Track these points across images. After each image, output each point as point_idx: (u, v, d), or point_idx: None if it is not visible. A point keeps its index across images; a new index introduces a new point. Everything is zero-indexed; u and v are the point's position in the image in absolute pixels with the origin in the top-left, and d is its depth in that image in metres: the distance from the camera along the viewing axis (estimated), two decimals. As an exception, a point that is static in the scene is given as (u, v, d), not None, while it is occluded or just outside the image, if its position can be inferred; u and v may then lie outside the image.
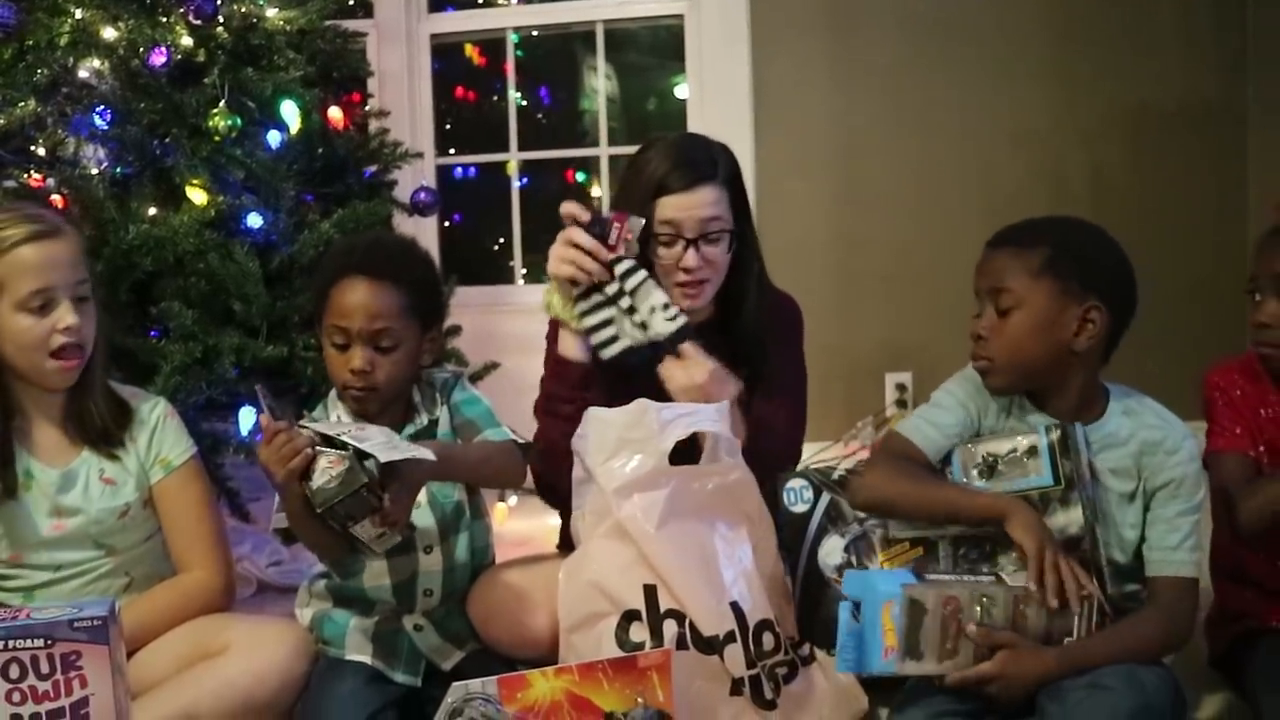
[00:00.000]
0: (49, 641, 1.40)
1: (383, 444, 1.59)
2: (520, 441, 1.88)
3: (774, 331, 2.08)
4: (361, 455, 1.58)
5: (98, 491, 1.81)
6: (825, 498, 1.83)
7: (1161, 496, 1.69)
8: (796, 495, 1.84)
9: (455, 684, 1.44)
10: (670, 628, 1.66)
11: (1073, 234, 1.74)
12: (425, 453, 1.62)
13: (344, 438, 1.60)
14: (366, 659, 1.82)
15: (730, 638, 1.66)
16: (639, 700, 1.47)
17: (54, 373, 1.77)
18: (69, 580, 1.81)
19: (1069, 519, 1.65)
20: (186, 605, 1.82)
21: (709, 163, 1.93)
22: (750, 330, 2.01)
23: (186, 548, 1.86)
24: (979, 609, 1.60)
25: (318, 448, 1.59)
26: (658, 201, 1.90)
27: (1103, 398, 1.75)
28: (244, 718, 1.67)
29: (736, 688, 1.65)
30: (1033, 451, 1.67)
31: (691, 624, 1.66)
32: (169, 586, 1.85)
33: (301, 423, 1.66)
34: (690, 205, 1.89)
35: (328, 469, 1.57)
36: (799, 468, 1.89)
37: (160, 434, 1.87)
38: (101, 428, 1.83)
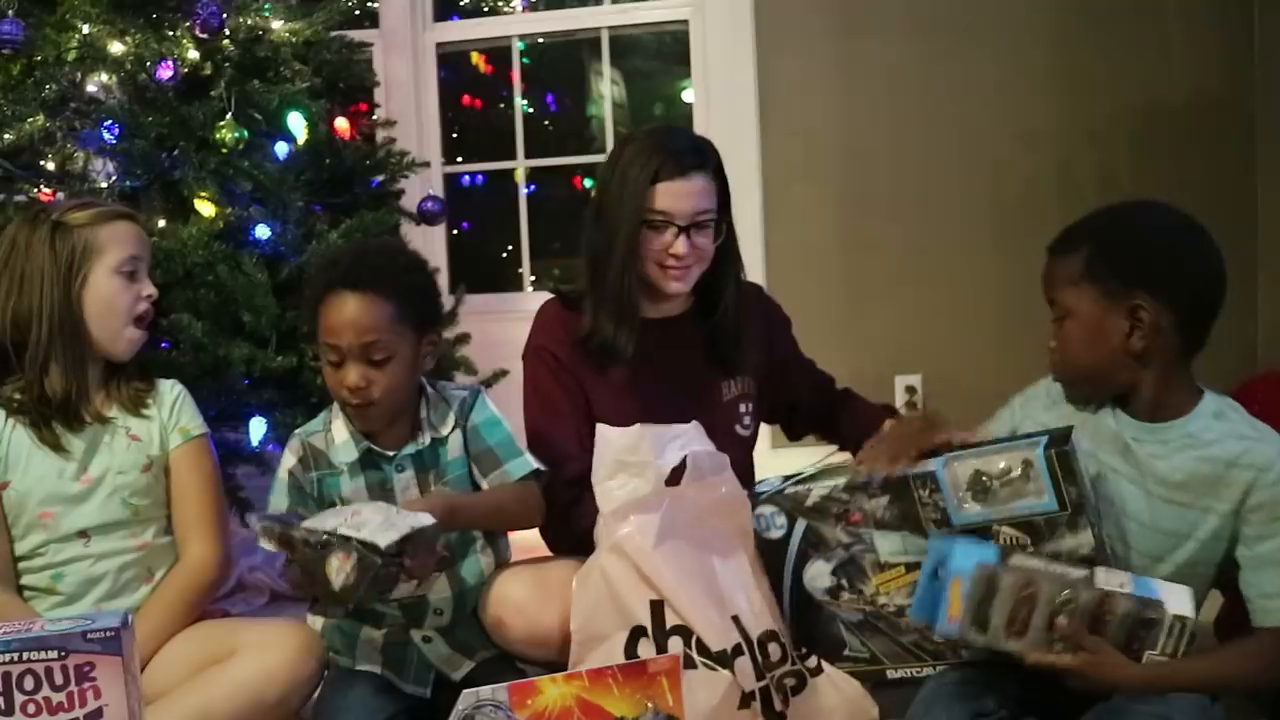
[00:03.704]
0: (63, 653, 1.40)
1: (380, 525, 1.59)
2: (541, 470, 1.87)
3: (774, 322, 2.17)
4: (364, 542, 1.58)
5: (123, 445, 1.87)
6: (801, 523, 1.75)
7: (1255, 520, 1.53)
8: (768, 521, 1.77)
9: (466, 691, 1.44)
10: (676, 644, 1.67)
11: (1114, 229, 1.62)
12: (424, 518, 1.60)
13: (342, 531, 1.58)
14: (376, 669, 1.83)
15: (738, 650, 1.67)
16: (649, 705, 1.47)
17: (128, 341, 1.89)
18: (97, 562, 1.83)
19: (1079, 541, 1.56)
20: (189, 581, 1.86)
21: (698, 152, 1.97)
22: (731, 320, 2.04)
23: (192, 519, 1.90)
24: (1058, 603, 1.50)
25: (323, 550, 1.58)
26: (654, 188, 1.93)
27: (1189, 397, 1.61)
28: (255, 717, 1.69)
29: (746, 701, 1.66)
30: (1027, 468, 1.57)
31: (698, 639, 1.66)
32: (173, 573, 1.88)
33: (306, 524, 1.61)
34: (685, 193, 1.93)
35: (341, 568, 1.57)
36: (766, 494, 1.78)
37: (180, 406, 1.94)
38: (132, 391, 1.91)
